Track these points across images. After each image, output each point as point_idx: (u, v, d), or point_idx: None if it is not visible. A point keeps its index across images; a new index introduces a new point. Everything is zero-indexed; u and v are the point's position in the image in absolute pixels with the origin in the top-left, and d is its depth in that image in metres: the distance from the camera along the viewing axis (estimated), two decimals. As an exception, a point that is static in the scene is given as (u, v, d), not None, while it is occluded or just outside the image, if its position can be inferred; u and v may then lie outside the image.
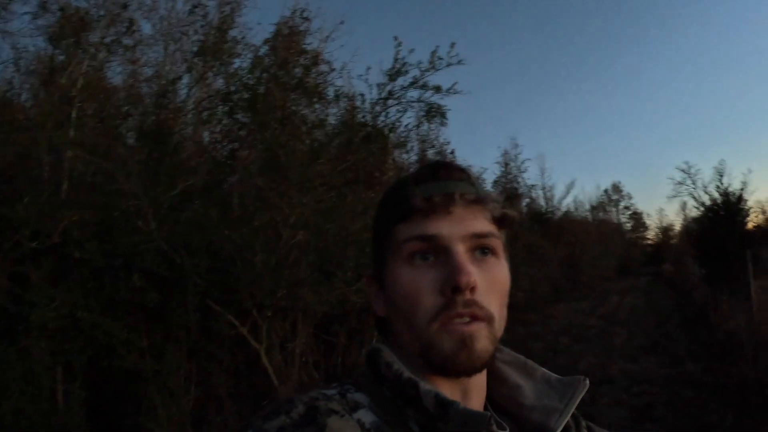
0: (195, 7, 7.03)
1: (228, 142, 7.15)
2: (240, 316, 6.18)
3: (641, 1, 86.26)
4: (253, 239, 5.97)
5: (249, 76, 6.69)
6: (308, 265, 6.38)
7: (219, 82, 7.20)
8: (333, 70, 7.72)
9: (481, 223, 0.70)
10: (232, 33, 6.94)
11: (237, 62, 6.93)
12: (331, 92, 7.83)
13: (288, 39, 7.02)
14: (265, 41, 7.04)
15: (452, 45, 7.26)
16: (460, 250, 0.68)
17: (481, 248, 0.71)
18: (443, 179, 0.72)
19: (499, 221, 0.73)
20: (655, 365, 8.40)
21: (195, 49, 6.99)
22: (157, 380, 5.54)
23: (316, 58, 7.23)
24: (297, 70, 6.98)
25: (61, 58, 6.52)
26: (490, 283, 0.69)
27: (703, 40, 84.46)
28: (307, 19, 7.35)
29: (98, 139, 5.87)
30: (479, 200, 0.71)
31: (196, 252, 5.77)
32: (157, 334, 5.75)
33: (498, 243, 0.72)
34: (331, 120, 8.14)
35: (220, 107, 6.97)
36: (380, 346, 0.73)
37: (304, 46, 7.24)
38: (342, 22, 7.90)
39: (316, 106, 7.62)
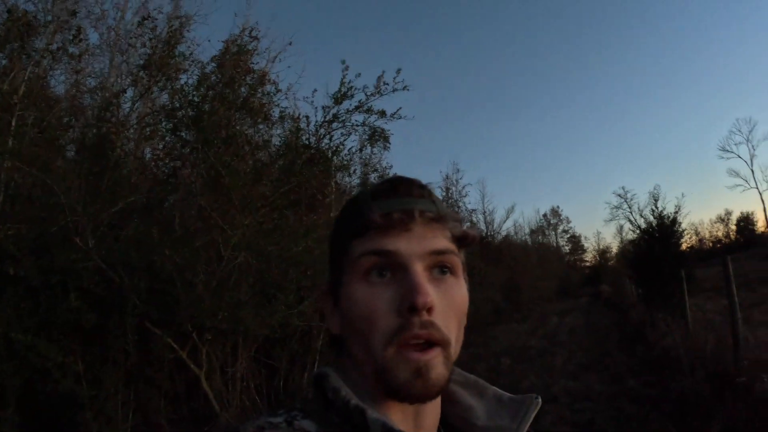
0: (144, 19, 6.88)
1: (170, 159, 6.99)
2: (179, 339, 6.00)
3: (580, 31, 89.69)
4: (194, 260, 5.83)
5: (195, 93, 6.60)
6: (249, 287, 6.26)
7: (164, 98, 7.07)
8: (279, 90, 7.75)
9: (441, 241, 0.69)
10: (180, 48, 6.83)
11: (183, 78, 6.83)
12: (276, 113, 7.84)
13: (236, 57, 6.96)
14: (213, 58, 6.97)
15: (398, 71, 7.43)
16: (418, 268, 0.66)
17: (439, 266, 0.69)
18: (403, 195, 0.70)
19: (459, 240, 0.72)
20: (596, 382, 8.55)
21: (141, 62, 6.83)
22: (94, 406, 5.29)
23: (262, 78, 7.21)
24: (243, 89, 6.93)
25: (4, 62, 6.26)
26: (448, 304, 0.68)
27: (639, 69, 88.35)
28: (255, 38, 7.36)
29: (38, 150, 5.62)
30: (439, 218, 0.70)
31: (135, 272, 5.58)
32: (93, 357, 5.50)
33: (457, 262, 0.71)
34: (275, 141, 8.13)
35: (164, 123, 6.83)
36: (327, 371, 0.71)
37: (252, 65, 7.22)
38: (290, 43, 7.96)
39: (260, 126, 7.59)
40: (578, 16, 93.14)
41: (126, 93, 6.99)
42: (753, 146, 50.35)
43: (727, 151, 51.50)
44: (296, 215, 6.91)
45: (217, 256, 6.11)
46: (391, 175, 0.81)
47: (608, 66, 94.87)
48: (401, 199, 0.69)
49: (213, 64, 6.91)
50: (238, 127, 6.76)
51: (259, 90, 7.12)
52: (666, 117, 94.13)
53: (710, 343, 7.17)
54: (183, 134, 6.74)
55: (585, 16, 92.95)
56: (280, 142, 8.15)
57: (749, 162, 54.40)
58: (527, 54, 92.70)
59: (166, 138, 6.93)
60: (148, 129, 6.92)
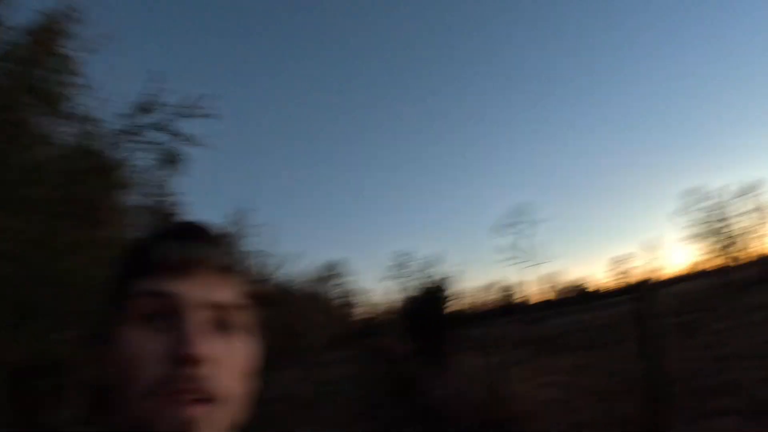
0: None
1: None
2: None
3: (393, 94, 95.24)
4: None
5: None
6: (2, 303, 5.38)
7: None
8: (79, 85, 6.91)
9: (224, 293, 0.65)
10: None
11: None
12: (68, 108, 6.98)
13: (43, 33, 6.10)
14: (18, 28, 6.02)
15: (201, 96, 7.26)
16: (194, 317, 0.61)
17: (221, 320, 0.64)
18: (190, 239, 0.66)
19: (248, 295, 0.68)
20: (369, 430, 8.69)
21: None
22: None
23: (64, 65, 6.39)
24: (39, 70, 6.09)
25: None
26: (228, 360, 0.63)
27: (412, 144, 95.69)
28: (72, 19, 6.50)
29: None
30: (226, 268, 0.66)
31: None
32: None
33: (242, 317, 0.67)
34: (60, 139, 7.21)
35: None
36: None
37: (57, 47, 6.36)
38: (107, 36, 7.06)
39: (47, 117, 6.69)
40: (391, 78, 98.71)
41: None
42: (522, 228, 57.81)
43: (501, 229, 58.28)
44: (68, 227, 6.13)
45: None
46: (177, 203, 0.74)
47: (385, 134, 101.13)
48: (188, 243, 0.65)
49: (16, 34, 5.97)
50: (23, 113, 5.89)
51: (56, 76, 6.29)
52: (450, 194, 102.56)
53: (476, 395, 7.73)
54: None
55: (397, 78, 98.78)
56: (65, 141, 7.25)
57: (517, 240, 61.59)
58: (340, 111, 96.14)
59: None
60: None
